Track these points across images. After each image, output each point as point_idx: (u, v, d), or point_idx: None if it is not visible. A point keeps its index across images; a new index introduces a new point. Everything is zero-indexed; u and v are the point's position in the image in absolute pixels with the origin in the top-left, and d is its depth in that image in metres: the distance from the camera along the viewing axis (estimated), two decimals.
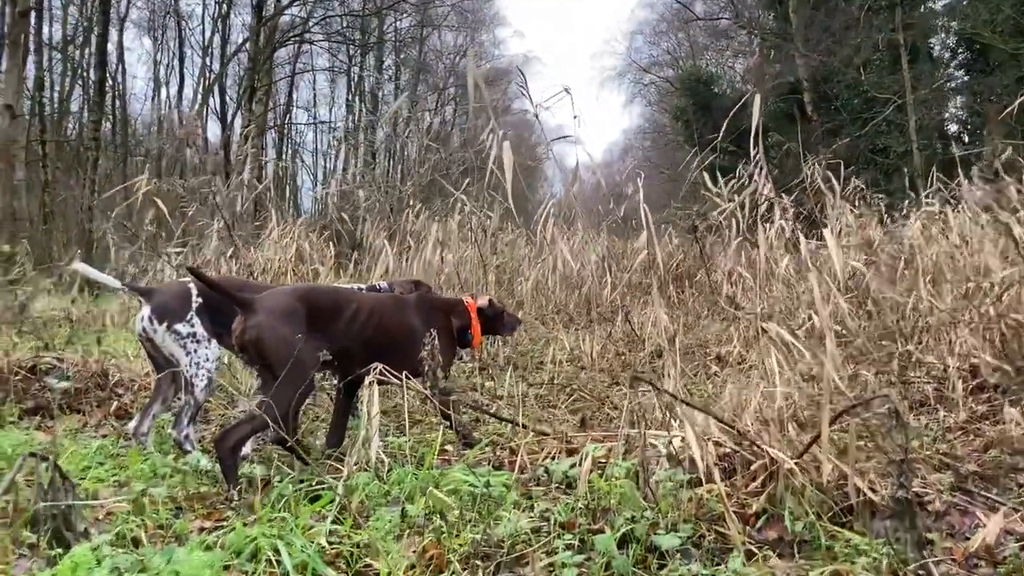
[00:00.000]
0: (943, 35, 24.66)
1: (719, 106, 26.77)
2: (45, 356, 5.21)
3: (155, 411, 4.00)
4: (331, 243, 7.76)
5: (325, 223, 8.95)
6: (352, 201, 8.99)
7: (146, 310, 3.84)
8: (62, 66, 27.84)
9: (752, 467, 2.65)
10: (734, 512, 2.54)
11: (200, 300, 3.86)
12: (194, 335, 3.82)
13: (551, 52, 69.32)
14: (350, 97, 37.09)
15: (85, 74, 28.03)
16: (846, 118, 22.11)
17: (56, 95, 27.46)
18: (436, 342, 3.76)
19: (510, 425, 4.22)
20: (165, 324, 3.80)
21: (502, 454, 3.81)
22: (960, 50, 24.41)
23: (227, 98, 32.07)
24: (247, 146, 15.56)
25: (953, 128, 25.36)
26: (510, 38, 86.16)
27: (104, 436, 4.16)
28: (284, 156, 33.66)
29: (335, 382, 4.10)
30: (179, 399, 3.92)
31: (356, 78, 35.75)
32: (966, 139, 23.82)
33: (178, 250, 7.61)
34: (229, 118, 30.05)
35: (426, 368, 3.78)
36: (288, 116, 36.71)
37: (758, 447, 2.65)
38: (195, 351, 3.81)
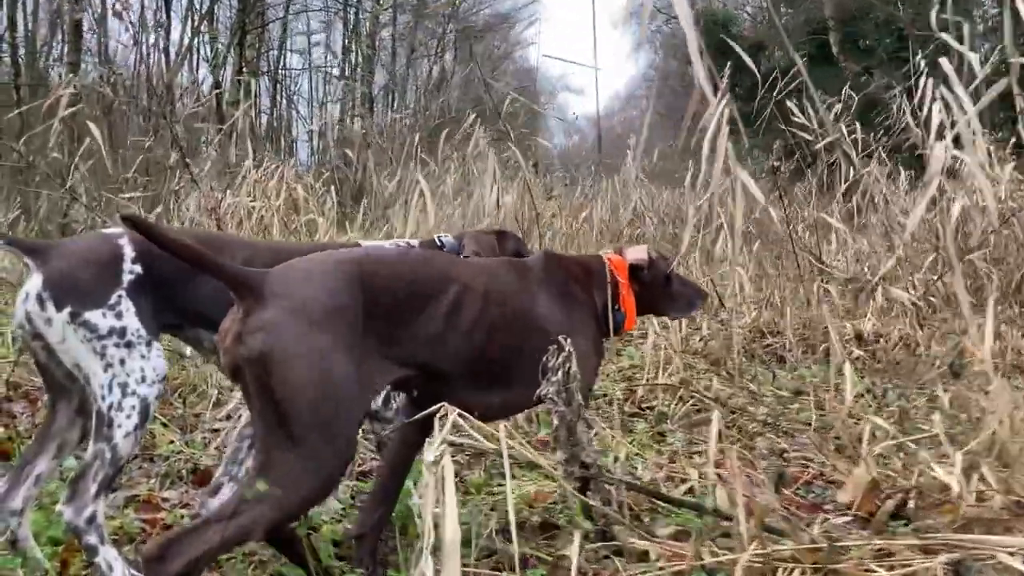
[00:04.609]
0: None
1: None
2: None
3: (41, 471, 2.16)
4: (332, 187, 6.20)
5: (325, 168, 7.38)
6: (355, 141, 7.44)
7: (35, 282, 2.02)
8: (34, 4, 26.14)
9: None
10: None
11: (138, 269, 2.08)
12: (120, 333, 2.02)
13: None
14: (346, 42, 35.43)
15: (62, 17, 26.33)
16: (882, 59, 20.66)
17: (29, 38, 25.77)
18: (574, 352, 1.95)
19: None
20: (67, 310, 2.00)
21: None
22: None
23: (218, 45, 30.43)
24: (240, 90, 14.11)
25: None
26: None
27: None
28: (278, 105, 32.13)
29: (377, 404, 2.41)
30: (87, 448, 2.09)
31: (352, 21, 34.11)
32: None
33: (132, 195, 5.71)
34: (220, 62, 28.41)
35: (556, 429, 2.01)
36: (281, 62, 34.99)
37: None
38: (120, 362, 2.01)
